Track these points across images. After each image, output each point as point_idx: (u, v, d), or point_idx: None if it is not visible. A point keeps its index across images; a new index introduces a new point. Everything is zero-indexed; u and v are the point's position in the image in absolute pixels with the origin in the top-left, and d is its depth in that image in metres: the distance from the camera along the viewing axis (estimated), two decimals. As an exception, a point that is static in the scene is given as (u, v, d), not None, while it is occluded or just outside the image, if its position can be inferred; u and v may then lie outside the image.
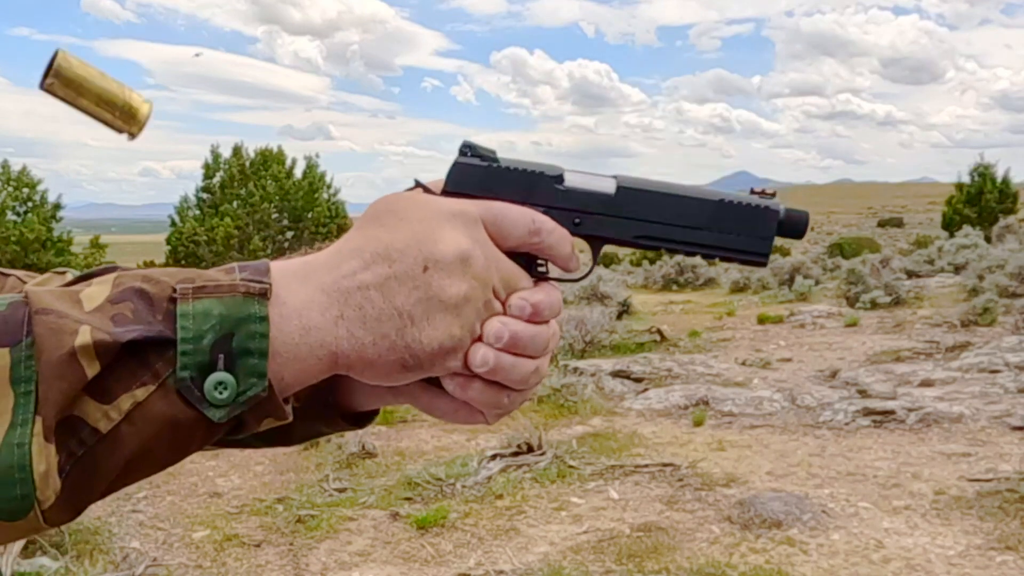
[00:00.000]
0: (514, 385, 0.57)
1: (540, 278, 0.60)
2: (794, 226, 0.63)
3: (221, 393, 0.47)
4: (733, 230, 0.62)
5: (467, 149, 0.60)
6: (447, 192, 0.59)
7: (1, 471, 0.43)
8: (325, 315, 0.51)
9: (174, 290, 0.48)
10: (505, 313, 0.56)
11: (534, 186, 0.60)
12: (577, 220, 0.61)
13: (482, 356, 0.54)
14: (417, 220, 0.53)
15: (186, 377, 0.46)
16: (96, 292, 0.48)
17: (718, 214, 0.61)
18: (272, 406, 0.50)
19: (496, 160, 0.60)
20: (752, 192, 0.63)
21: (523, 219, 0.57)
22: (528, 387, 0.58)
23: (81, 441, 0.45)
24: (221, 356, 0.47)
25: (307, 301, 0.51)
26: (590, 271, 0.63)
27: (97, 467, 0.46)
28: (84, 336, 0.45)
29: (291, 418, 0.52)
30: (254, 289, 0.49)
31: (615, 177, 0.62)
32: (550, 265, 0.61)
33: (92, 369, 0.45)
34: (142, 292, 0.48)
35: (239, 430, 0.51)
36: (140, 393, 0.46)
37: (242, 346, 0.48)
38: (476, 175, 0.60)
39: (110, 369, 0.45)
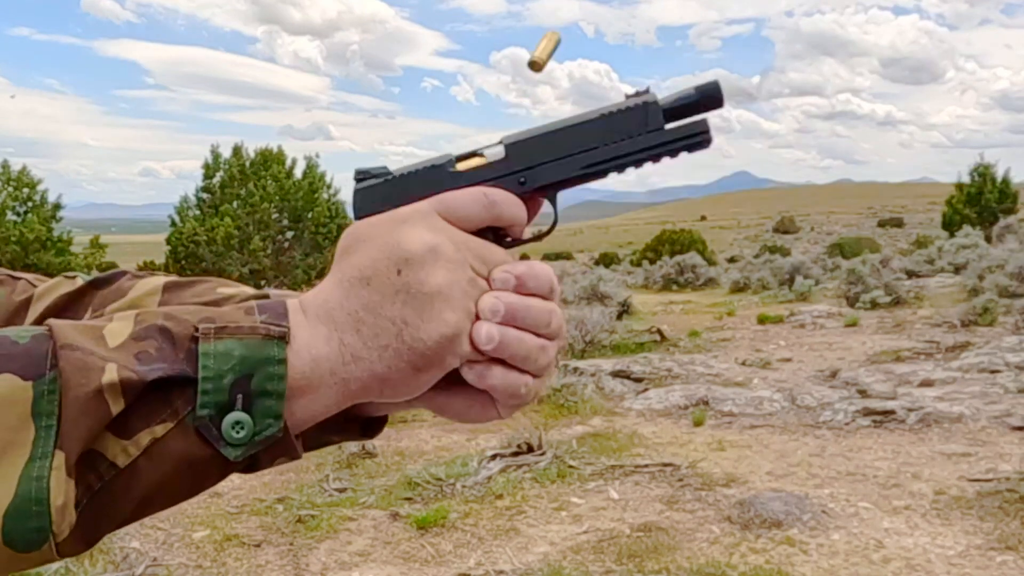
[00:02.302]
0: (525, 364, 0.57)
1: (510, 247, 0.60)
2: (710, 96, 0.63)
3: (238, 432, 0.48)
4: (626, 136, 0.62)
5: (360, 175, 0.62)
6: (358, 219, 0.60)
7: (19, 503, 0.43)
8: (329, 344, 0.52)
9: (196, 329, 0.49)
10: (492, 289, 0.57)
11: (432, 179, 0.61)
12: (522, 180, 0.62)
13: (487, 332, 0.55)
14: (376, 235, 0.55)
15: (205, 416, 0.47)
16: (119, 328, 0.49)
17: (605, 128, 0.62)
18: (286, 447, 0.51)
19: (389, 173, 0.62)
20: (627, 96, 0.63)
21: (475, 196, 0.58)
22: (541, 370, 0.58)
23: (99, 475, 0.45)
24: (240, 396, 0.48)
25: (311, 334, 0.52)
26: (553, 225, 0.64)
27: (113, 501, 0.46)
28: (111, 374, 0.45)
29: (301, 456, 0.53)
30: (274, 332, 0.50)
31: (501, 140, 0.63)
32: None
33: (117, 406, 0.45)
34: (164, 330, 0.49)
35: (252, 468, 0.52)
36: (159, 430, 0.46)
37: (260, 387, 0.49)
38: (377, 194, 0.61)
39: (133, 406, 0.46)
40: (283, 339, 0.50)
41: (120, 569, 3.93)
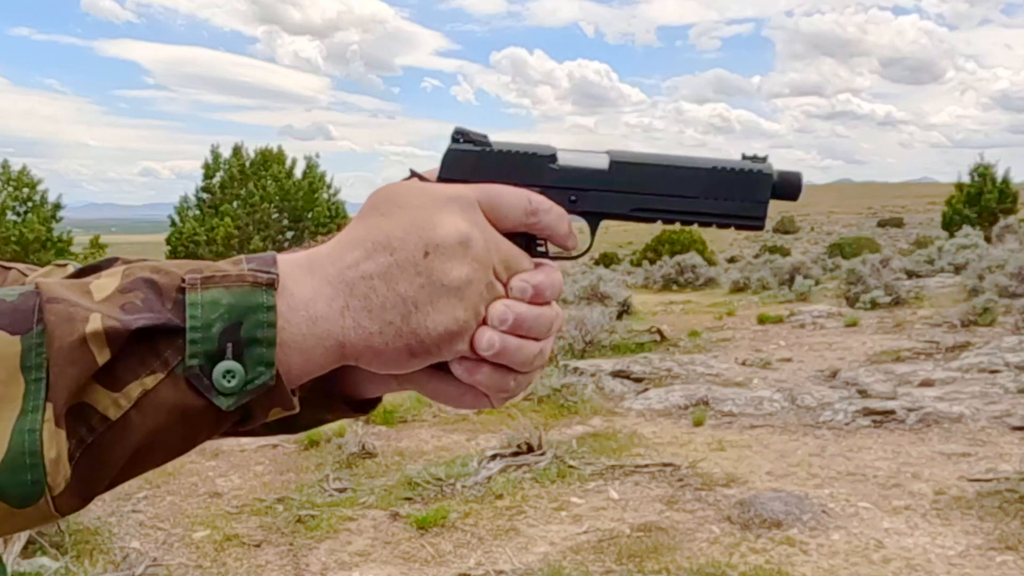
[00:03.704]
0: (520, 367, 0.57)
1: (540, 257, 0.60)
2: (788, 188, 0.63)
3: (229, 381, 0.47)
4: (728, 196, 0.62)
5: (459, 135, 0.60)
6: (442, 180, 0.59)
7: (13, 457, 0.43)
8: (331, 305, 0.51)
9: (183, 280, 0.48)
10: (507, 295, 0.56)
11: (528, 167, 0.60)
12: (573, 198, 0.61)
13: (488, 339, 0.55)
14: (415, 207, 0.54)
15: (195, 365, 0.47)
16: (106, 283, 0.48)
17: (712, 181, 0.62)
18: (280, 396, 0.50)
19: (488, 144, 0.61)
20: (744, 157, 0.63)
21: (519, 200, 0.57)
22: (533, 369, 0.58)
23: (91, 428, 0.45)
24: (229, 345, 0.47)
25: (313, 292, 0.51)
26: (588, 248, 0.63)
27: (106, 454, 0.46)
28: (95, 323, 0.45)
29: (298, 408, 0.52)
30: (262, 279, 0.49)
31: (608, 152, 0.62)
32: (548, 244, 0.61)
33: (103, 356, 0.45)
34: (151, 282, 0.48)
35: (247, 421, 0.51)
36: (149, 381, 0.46)
37: (250, 335, 0.48)
38: (469, 160, 0.60)
39: (120, 357, 0.45)
40: (271, 286, 0.49)
41: (120, 569, 3.93)
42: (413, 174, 0.60)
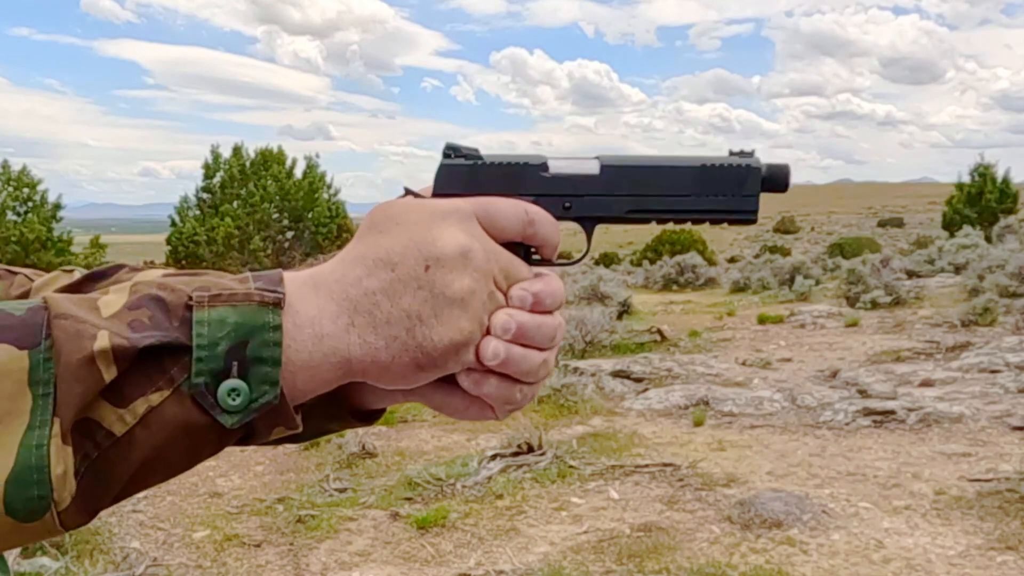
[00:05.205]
0: (525, 377, 0.57)
1: (537, 265, 0.60)
2: (777, 180, 0.63)
3: (234, 400, 0.48)
4: (719, 192, 0.62)
5: (450, 151, 0.61)
6: (437, 195, 0.60)
7: (19, 471, 0.43)
8: (336, 323, 0.52)
9: (190, 297, 0.49)
10: (508, 305, 0.57)
11: (520, 177, 0.61)
12: (567, 204, 0.62)
13: (493, 349, 0.55)
14: (413, 223, 0.54)
15: (200, 383, 0.47)
16: (113, 299, 0.49)
17: (702, 179, 0.62)
18: (283, 415, 0.51)
19: (480, 157, 0.61)
20: (731, 153, 0.63)
21: (516, 211, 0.58)
22: (538, 380, 0.59)
23: (96, 444, 0.45)
24: (235, 363, 0.48)
25: (318, 310, 0.52)
26: (584, 254, 0.64)
27: (111, 470, 0.46)
28: (103, 341, 0.45)
29: (300, 428, 0.53)
30: (268, 298, 0.50)
31: (598, 157, 0.63)
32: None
33: (110, 373, 0.45)
34: (158, 299, 0.49)
35: (250, 438, 0.51)
36: (155, 398, 0.46)
37: (256, 354, 0.48)
38: (462, 175, 0.60)
39: (127, 374, 0.46)
40: (278, 305, 0.50)
41: (120, 569, 3.93)
42: (408, 192, 0.60)
